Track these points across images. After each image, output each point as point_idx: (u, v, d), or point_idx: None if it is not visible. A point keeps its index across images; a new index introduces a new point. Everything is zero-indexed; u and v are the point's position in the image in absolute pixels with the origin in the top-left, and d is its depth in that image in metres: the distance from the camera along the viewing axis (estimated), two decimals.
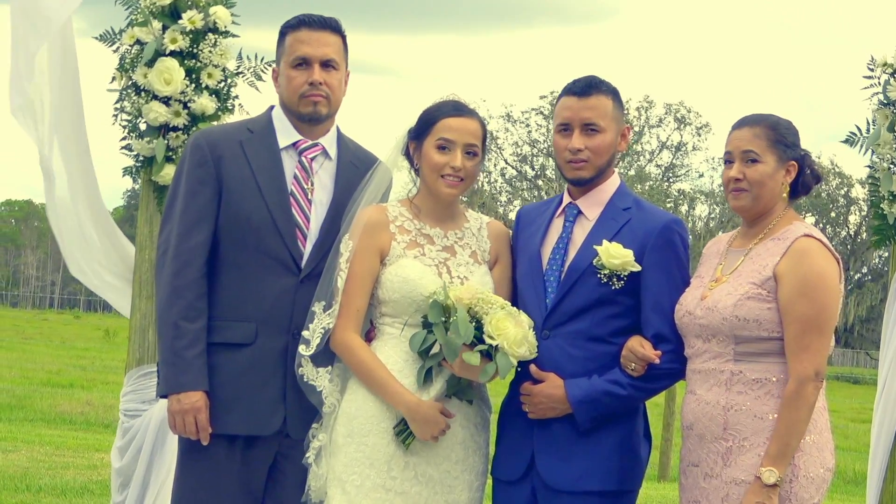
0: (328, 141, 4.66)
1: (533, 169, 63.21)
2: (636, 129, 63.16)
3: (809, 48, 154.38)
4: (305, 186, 4.57)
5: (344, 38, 4.64)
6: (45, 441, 13.37)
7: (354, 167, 4.65)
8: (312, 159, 4.62)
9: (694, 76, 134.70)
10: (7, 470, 10.86)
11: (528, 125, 62.93)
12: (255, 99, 5.87)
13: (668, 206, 60.14)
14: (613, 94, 4.48)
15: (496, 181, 64.17)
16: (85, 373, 23.44)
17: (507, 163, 63.88)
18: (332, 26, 4.59)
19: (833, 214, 63.98)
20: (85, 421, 16.00)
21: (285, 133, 4.61)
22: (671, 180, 65.29)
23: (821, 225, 62.07)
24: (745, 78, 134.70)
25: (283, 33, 4.62)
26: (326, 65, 4.56)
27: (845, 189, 62.94)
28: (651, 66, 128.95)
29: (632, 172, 62.25)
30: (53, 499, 9.63)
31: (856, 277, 62.66)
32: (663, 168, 65.26)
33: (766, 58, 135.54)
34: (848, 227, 63.99)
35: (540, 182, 61.58)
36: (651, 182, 62.63)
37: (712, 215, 63.46)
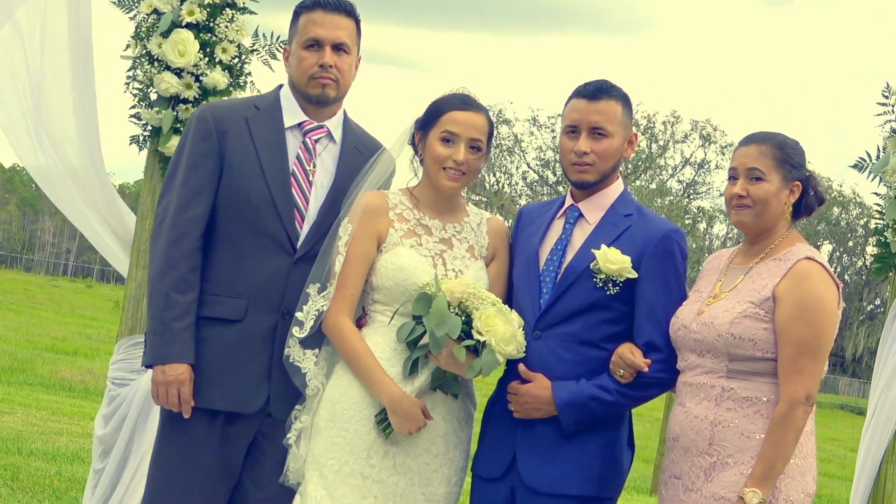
0: (334, 124, 4.65)
1: (555, 174, 63.14)
2: (661, 143, 63.09)
3: (837, 76, 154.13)
4: (307, 168, 4.56)
5: (358, 22, 4.62)
6: (41, 406, 13.43)
7: (358, 152, 4.64)
8: (316, 141, 4.60)
9: (722, 95, 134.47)
10: (1, 432, 10.90)
11: (553, 130, 62.86)
12: (268, 78, 5.85)
13: (687, 222, 60.02)
14: (623, 99, 4.46)
15: (517, 184, 64.18)
16: (90, 342, 23.52)
17: (529, 166, 63.90)
18: (347, 10, 4.57)
19: (851, 244, 63.74)
20: (84, 389, 16.06)
21: (292, 113, 4.60)
22: (691, 197, 65.18)
23: (837, 253, 61.88)
24: (772, 101, 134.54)
25: (297, 13, 4.60)
26: (338, 48, 4.55)
27: (865, 219, 62.69)
28: (680, 82, 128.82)
29: (653, 186, 62.18)
30: (43, 463, 9.65)
31: (868, 308, 62.42)
32: (685, 184, 65.14)
33: (793, 83, 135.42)
34: (864, 258, 63.73)
35: (561, 188, 61.51)
36: (671, 197, 62.54)
37: (730, 234, 63.31)
